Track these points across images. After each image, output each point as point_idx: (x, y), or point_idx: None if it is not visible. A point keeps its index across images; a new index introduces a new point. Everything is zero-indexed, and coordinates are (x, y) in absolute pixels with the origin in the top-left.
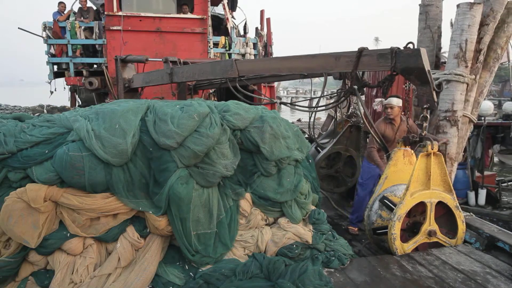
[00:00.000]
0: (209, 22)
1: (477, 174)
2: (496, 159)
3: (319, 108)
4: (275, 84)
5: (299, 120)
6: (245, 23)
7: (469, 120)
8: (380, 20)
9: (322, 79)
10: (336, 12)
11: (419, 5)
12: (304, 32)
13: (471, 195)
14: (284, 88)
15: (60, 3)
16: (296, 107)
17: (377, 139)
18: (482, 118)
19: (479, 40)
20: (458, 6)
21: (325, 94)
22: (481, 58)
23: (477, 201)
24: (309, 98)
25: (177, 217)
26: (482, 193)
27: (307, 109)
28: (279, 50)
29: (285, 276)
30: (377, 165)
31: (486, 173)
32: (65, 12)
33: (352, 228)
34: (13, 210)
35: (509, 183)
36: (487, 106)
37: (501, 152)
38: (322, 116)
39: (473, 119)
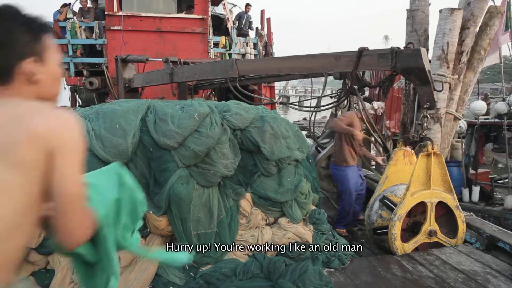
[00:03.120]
0: (210, 22)
1: (472, 171)
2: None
3: (319, 108)
4: (279, 83)
5: (305, 119)
6: None
7: (454, 117)
8: (381, 20)
9: (331, 78)
10: (336, 12)
11: (407, 10)
12: (304, 32)
13: (465, 191)
14: (293, 87)
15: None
16: (296, 107)
17: (377, 138)
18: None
19: (461, 42)
20: (440, 11)
21: (325, 94)
22: (464, 59)
23: (471, 197)
24: (309, 98)
25: (178, 217)
26: (476, 190)
27: (307, 109)
28: (279, 50)
29: (286, 276)
30: (350, 131)
31: (481, 170)
32: (64, 11)
33: (340, 230)
34: None
35: (505, 180)
36: (480, 106)
37: (494, 150)
38: (328, 115)
39: (458, 116)
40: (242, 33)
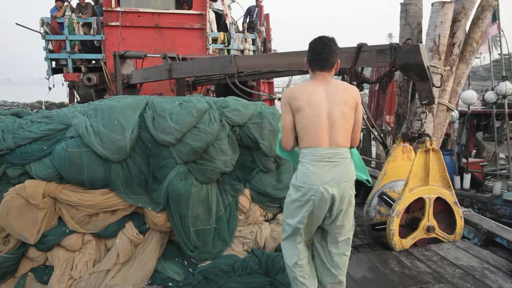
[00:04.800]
0: (208, 17)
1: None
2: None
3: None
4: (282, 79)
5: None
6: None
7: (446, 108)
8: (385, 18)
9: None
10: (340, 10)
11: (400, 4)
12: (310, 31)
13: (457, 179)
14: (296, 84)
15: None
16: None
17: (376, 135)
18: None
19: (453, 35)
20: (432, 4)
21: None
22: (456, 51)
23: (462, 184)
24: None
25: (176, 213)
26: (467, 177)
27: None
28: (280, 47)
29: (284, 272)
30: None
31: (474, 160)
32: (62, 8)
33: None
34: (12, 206)
35: (502, 171)
36: (471, 95)
37: (485, 139)
38: None
39: (451, 107)
40: (253, 26)
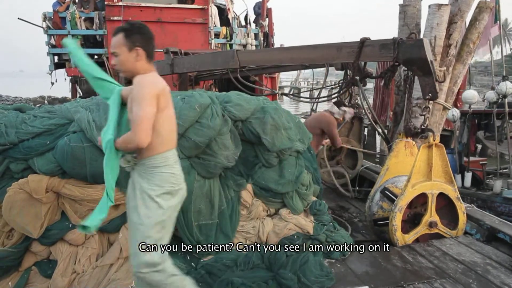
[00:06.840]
0: (211, 12)
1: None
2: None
3: (320, 99)
4: (291, 74)
5: (313, 110)
6: (246, 13)
7: (443, 107)
8: (394, 11)
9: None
10: (347, 4)
11: (399, 5)
12: (319, 26)
13: (458, 177)
14: (304, 79)
15: None
16: (298, 98)
17: (378, 130)
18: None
19: (449, 36)
20: (429, 7)
21: (327, 86)
22: (453, 52)
23: (463, 183)
24: (311, 89)
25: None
26: (468, 175)
27: (308, 100)
28: (282, 43)
29: (286, 267)
30: None
31: (475, 158)
32: (65, 3)
33: None
34: (15, 200)
35: (505, 169)
36: (471, 94)
37: (486, 138)
38: None
39: (448, 106)
40: (256, 20)
